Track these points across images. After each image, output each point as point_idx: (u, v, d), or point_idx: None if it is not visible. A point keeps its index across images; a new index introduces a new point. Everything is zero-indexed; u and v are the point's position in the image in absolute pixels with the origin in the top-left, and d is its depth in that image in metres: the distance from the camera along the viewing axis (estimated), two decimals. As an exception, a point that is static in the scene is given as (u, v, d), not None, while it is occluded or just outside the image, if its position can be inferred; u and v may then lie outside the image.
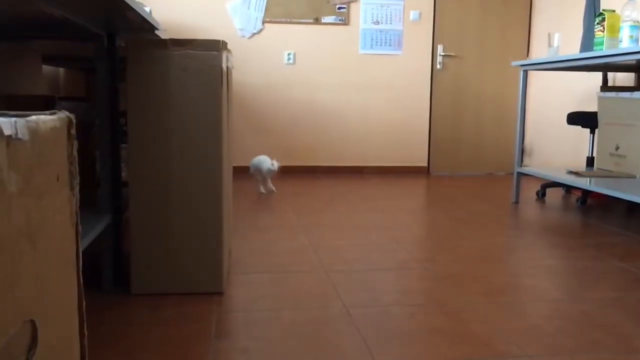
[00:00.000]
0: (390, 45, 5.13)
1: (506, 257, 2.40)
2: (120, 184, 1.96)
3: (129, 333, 1.55)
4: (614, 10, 3.15)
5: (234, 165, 5.00)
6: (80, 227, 0.60)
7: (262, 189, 3.87)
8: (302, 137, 5.11)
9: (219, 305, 1.76)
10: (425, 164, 5.28)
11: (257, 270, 2.13)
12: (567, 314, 1.74)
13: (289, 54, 5.01)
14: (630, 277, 2.13)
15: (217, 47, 1.79)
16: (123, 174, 2.01)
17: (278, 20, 4.97)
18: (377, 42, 5.11)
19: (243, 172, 5.01)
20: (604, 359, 1.44)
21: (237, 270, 2.13)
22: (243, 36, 4.96)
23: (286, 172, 5.10)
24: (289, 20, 4.98)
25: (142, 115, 1.78)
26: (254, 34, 4.97)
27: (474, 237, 2.73)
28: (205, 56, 1.78)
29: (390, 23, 5.11)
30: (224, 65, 1.82)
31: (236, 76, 4.99)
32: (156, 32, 2.17)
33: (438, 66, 5.18)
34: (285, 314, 1.70)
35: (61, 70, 3.46)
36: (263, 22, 4.96)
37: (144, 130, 1.78)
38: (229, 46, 4.61)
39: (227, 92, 1.98)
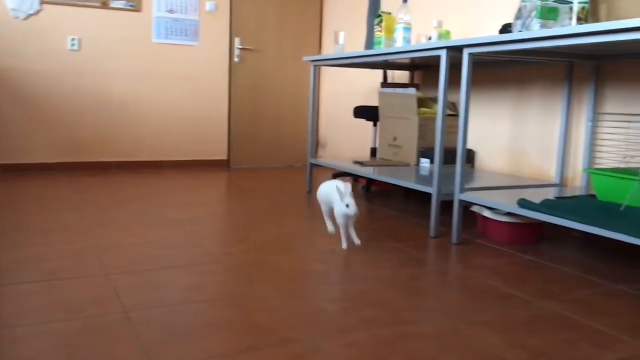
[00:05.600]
0: (186, 35, 4.98)
1: (297, 244, 2.47)
2: None
3: None
4: (390, 13, 3.43)
5: (5, 162, 4.43)
6: None
7: (330, 227, 2.58)
8: (91, 130, 4.72)
9: (-27, 324, 1.52)
10: (226, 157, 5.25)
11: (27, 280, 1.89)
12: (348, 295, 1.84)
13: (72, 39, 4.57)
14: (403, 256, 2.34)
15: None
16: None
17: (59, 1, 4.50)
18: (172, 31, 4.92)
19: (16, 170, 4.46)
20: (378, 333, 1.54)
21: (0, 282, 1.87)
22: (17, 17, 4.40)
23: (73, 168, 4.66)
24: (71, 2, 4.54)
25: None
26: (30, 15, 4.44)
27: (268, 228, 2.77)
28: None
29: (186, 12, 4.96)
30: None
31: (9, 61, 4.41)
32: None
33: (236, 59, 5.18)
34: (55, 326, 1.52)
35: None
36: (41, 3, 4.45)
37: None
38: (-3, 27, 4.06)
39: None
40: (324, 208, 2.58)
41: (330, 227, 2.56)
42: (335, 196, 2.38)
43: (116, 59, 4.74)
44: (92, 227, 2.68)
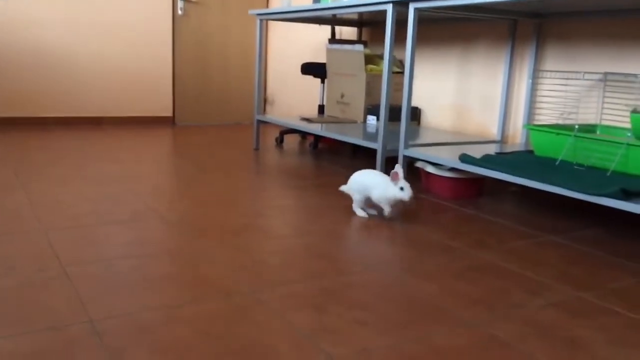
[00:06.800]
0: (126, -15, 4.74)
1: (243, 200, 2.45)
2: None
3: None
4: (337, -34, 3.36)
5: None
6: None
7: (363, 213, 2.31)
8: (25, 83, 4.48)
9: None
10: (171, 114, 5.12)
11: (-45, 237, 1.80)
12: (291, 248, 1.85)
13: (2, -14, 4.28)
14: (348, 210, 2.36)
15: None
16: None
17: (-16, -57, 4.18)
18: (111, -20, 4.67)
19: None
20: (319, 284, 1.56)
21: None
22: (-63, -41, 4.07)
23: (6, 124, 4.44)
24: (-1, -55, 4.23)
25: None
26: (-47, -43, 4.11)
27: (214, 184, 2.74)
28: None
29: (126, -39, 4.71)
30: None
31: None
32: None
33: (179, 12, 4.99)
34: (-14, 282, 1.47)
35: None
36: (-36, -56, 4.12)
37: None
38: None
39: None
40: (357, 197, 2.29)
41: (363, 213, 2.30)
42: (377, 181, 2.18)
43: (51, 7, 4.48)
44: (28, 183, 2.57)
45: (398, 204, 2.18)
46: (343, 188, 2.35)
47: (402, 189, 2.11)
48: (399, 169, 2.12)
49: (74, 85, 4.66)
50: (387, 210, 2.20)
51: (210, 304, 1.40)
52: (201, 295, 1.45)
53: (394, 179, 2.12)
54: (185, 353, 1.16)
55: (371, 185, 2.20)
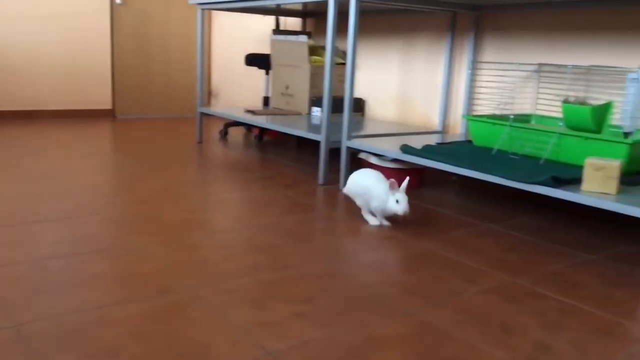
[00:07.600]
0: (60, -28, 4.54)
1: (185, 195, 2.40)
2: None
3: None
4: (279, -44, 3.32)
5: None
6: None
7: (377, 221, 2.11)
8: (-48, 76, 4.23)
9: None
10: (110, 107, 4.95)
11: None
12: (233, 242, 1.82)
13: None
14: (291, 203, 2.35)
15: None
16: None
17: None
18: (43, -33, 4.46)
19: None
20: (260, 278, 1.54)
21: None
22: None
23: None
24: None
25: None
26: None
27: (155, 179, 2.67)
28: None
29: (59, -53, 4.51)
30: None
31: None
32: None
33: (118, 0, 4.82)
34: None
35: None
36: None
37: None
38: None
39: None
40: (359, 202, 2.14)
41: (374, 221, 2.11)
42: (377, 187, 2.03)
43: (-22, -4, 4.24)
44: (-47, 181, 2.43)
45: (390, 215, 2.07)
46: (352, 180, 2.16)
47: (397, 201, 1.99)
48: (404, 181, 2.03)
49: (3, 78, 4.44)
50: (380, 221, 2.10)
51: (144, 302, 1.36)
52: (135, 294, 1.40)
53: (392, 188, 2.00)
54: (116, 355, 1.12)
55: (371, 192, 2.06)
